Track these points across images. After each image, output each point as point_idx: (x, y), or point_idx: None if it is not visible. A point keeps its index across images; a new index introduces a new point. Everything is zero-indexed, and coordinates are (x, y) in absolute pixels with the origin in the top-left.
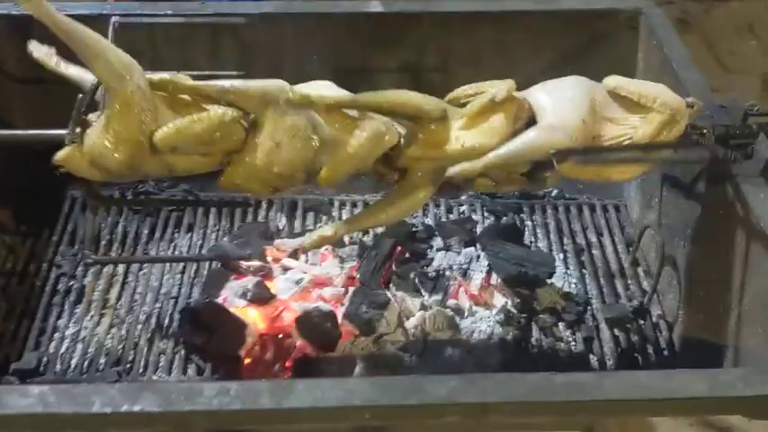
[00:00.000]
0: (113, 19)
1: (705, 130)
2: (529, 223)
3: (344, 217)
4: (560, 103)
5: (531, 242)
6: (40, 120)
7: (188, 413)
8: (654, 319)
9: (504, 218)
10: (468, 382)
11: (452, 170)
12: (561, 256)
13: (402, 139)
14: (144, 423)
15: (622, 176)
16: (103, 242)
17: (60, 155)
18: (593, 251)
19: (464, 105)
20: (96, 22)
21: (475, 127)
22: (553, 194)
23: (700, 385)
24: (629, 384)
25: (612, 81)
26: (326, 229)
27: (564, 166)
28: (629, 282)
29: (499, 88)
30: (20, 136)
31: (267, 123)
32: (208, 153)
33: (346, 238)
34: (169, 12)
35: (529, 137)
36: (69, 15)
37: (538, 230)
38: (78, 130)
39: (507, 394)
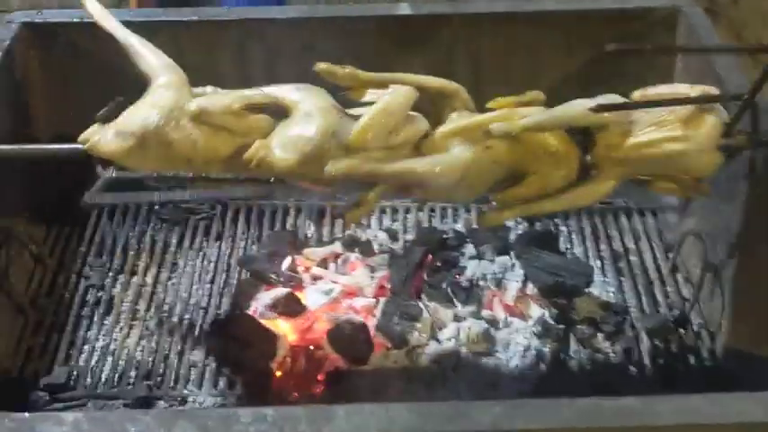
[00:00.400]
0: None
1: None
2: (563, 229)
3: (373, 224)
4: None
5: (566, 248)
6: (62, 125)
7: None
8: (695, 329)
9: (538, 223)
10: (513, 408)
11: (493, 126)
12: (598, 263)
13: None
14: None
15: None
16: (132, 252)
17: (87, 131)
18: (631, 257)
19: None
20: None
21: None
22: None
23: (754, 410)
24: (682, 409)
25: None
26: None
27: (622, 145)
28: (669, 289)
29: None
30: (46, 150)
31: (300, 103)
32: (234, 131)
33: (376, 246)
34: (194, 17)
35: (566, 104)
36: (95, 23)
37: (573, 236)
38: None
39: (554, 420)
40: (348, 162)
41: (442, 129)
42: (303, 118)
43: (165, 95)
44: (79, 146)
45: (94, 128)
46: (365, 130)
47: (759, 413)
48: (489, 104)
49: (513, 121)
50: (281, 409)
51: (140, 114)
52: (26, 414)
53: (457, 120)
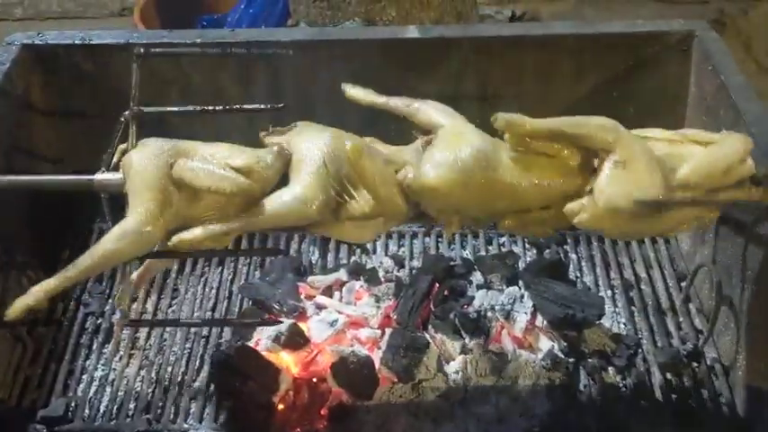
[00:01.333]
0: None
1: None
2: (573, 256)
3: (378, 250)
4: None
5: (576, 277)
6: (62, 147)
7: None
8: (708, 362)
9: (547, 250)
10: None
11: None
12: (609, 292)
13: None
14: None
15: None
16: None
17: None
18: (643, 287)
19: None
20: (123, 50)
21: None
22: None
23: None
24: None
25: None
26: None
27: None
28: (681, 320)
29: None
30: (46, 181)
31: None
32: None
33: (381, 273)
34: (199, 40)
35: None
36: (96, 45)
37: (583, 264)
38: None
39: None
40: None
41: None
42: None
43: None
44: (86, 177)
45: None
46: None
47: None
48: None
49: None
50: None
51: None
52: None
53: None
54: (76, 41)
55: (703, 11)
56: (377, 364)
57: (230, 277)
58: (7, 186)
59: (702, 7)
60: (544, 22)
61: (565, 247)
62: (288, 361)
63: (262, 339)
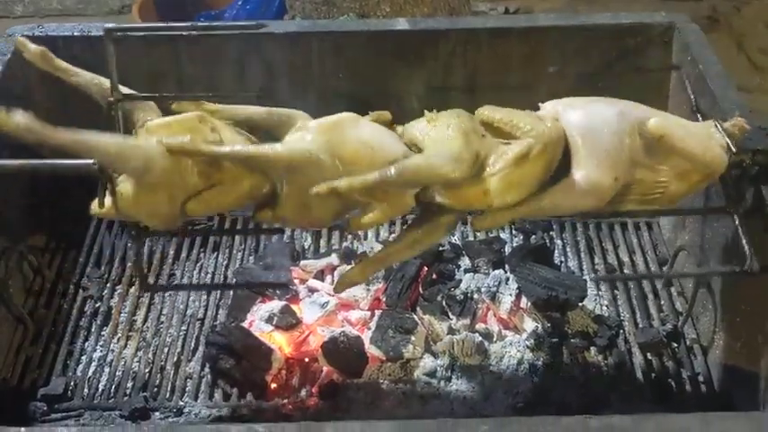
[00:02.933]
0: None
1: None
2: (558, 242)
3: (370, 235)
4: (596, 152)
5: (560, 261)
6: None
7: None
8: (688, 343)
9: (533, 236)
10: (500, 427)
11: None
12: (593, 275)
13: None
14: None
15: None
16: (129, 263)
17: (95, 211)
18: (626, 271)
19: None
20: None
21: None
22: None
23: (744, 430)
24: (671, 429)
25: (656, 127)
26: (355, 273)
27: None
28: (662, 303)
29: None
30: (46, 165)
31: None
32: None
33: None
34: (194, 32)
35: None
36: (95, 36)
37: (568, 249)
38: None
39: None
40: (349, 277)
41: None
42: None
43: (160, 203)
44: (79, 162)
45: (102, 210)
46: None
47: None
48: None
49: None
50: (271, 425)
51: (143, 216)
52: (21, 429)
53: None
54: (76, 33)
55: (696, 8)
56: (366, 344)
57: (225, 262)
58: (12, 170)
59: (696, 4)
60: (530, 15)
61: (550, 233)
62: (280, 341)
63: (255, 321)
